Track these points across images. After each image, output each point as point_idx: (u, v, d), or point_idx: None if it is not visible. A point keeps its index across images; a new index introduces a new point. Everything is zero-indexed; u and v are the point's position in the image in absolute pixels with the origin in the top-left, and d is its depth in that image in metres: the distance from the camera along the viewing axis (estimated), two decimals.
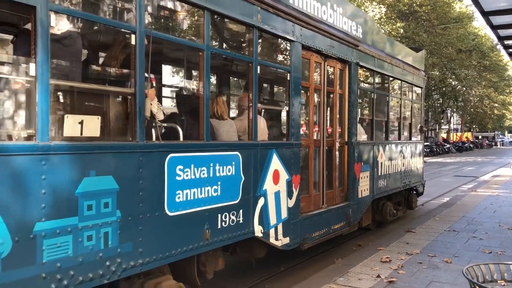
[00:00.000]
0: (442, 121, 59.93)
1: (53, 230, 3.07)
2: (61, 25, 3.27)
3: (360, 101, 7.52)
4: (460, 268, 5.44)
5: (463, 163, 32.81)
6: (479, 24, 63.32)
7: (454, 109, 63.50)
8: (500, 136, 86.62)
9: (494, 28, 8.39)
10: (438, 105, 57.47)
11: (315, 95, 6.54)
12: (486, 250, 6.89)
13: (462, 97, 56.46)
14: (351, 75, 7.16)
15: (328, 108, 6.89)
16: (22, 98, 3.19)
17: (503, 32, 8.88)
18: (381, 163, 8.23)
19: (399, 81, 9.46)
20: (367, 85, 8.18)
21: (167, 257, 3.95)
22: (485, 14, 7.62)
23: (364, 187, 7.52)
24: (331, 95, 6.97)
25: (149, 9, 3.89)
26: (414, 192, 10.62)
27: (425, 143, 43.18)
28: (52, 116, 3.16)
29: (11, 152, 2.88)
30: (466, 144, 55.28)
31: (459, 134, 64.20)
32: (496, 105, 65.58)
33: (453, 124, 72.98)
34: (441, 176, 22.51)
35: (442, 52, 49.11)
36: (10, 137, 3.18)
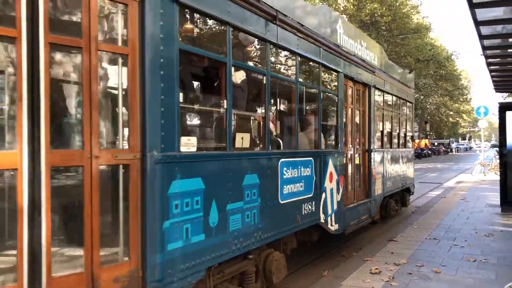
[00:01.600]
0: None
1: (234, 209, 4.79)
2: (237, 74, 5.04)
3: (374, 116, 9.50)
4: (450, 278, 6.21)
5: (425, 170, 34.13)
6: (435, 35, 67.14)
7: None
8: (455, 143, 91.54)
9: (477, 24, 8.56)
10: None
11: (349, 112, 8.46)
12: (470, 258, 7.19)
13: (420, 105, 59.65)
14: (370, 96, 9.17)
15: (356, 122, 8.82)
16: (219, 123, 4.90)
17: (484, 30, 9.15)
18: (388, 166, 10.27)
19: (398, 98, 11.65)
20: (379, 102, 10.22)
21: (279, 233, 5.73)
22: (472, 6, 7.66)
23: (378, 187, 9.51)
24: (357, 112, 8.91)
25: (272, 60, 5.68)
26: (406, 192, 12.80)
27: None
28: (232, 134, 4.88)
29: (216, 158, 4.61)
30: (424, 151, 58.58)
31: (416, 141, 67.71)
32: (451, 113, 69.58)
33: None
34: None
35: (402, 62, 51.69)
36: (211, 149, 4.90)
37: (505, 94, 54.62)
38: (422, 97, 58.67)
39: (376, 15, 48.53)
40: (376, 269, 6.54)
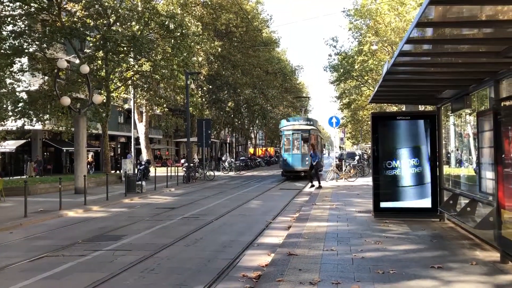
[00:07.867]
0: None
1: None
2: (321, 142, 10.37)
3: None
4: None
5: (278, 176, 32.23)
6: (281, 49, 71.88)
7: (259, 126, 69.94)
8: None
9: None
10: (247, 121, 63.48)
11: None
12: (379, 270, 7.18)
13: (268, 116, 62.91)
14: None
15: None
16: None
17: None
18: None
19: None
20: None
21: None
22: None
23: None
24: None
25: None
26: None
27: (241, 158, 48.19)
28: None
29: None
30: (272, 158, 62.27)
31: (263, 149, 71.74)
32: None
33: (259, 140, 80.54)
34: (269, 190, 25.25)
35: (253, 73, 53.84)
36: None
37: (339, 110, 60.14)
38: (270, 107, 61.72)
39: (231, 25, 49.85)
40: None
